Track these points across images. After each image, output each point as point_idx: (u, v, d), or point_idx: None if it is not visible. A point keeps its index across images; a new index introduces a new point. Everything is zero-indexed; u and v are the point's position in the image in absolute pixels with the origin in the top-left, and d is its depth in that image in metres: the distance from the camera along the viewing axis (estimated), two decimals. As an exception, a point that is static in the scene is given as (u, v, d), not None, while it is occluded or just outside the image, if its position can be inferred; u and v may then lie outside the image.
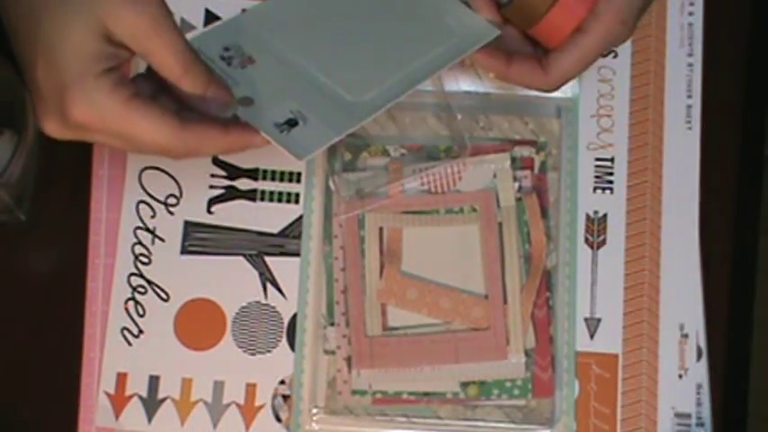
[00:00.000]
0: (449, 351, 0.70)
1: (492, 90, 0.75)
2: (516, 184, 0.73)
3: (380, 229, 0.73)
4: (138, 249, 0.74)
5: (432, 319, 0.71)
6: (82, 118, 0.59)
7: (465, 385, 0.71)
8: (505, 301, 0.71)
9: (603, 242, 0.73)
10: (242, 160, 0.75)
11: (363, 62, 0.66)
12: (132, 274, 0.73)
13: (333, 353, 0.72)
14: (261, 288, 0.73)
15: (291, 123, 0.63)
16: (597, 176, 0.74)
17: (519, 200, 0.73)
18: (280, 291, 0.73)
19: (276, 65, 0.66)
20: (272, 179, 0.75)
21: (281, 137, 0.62)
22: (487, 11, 0.67)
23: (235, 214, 0.74)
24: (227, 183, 0.75)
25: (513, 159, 0.73)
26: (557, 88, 0.67)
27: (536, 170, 0.74)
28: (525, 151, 0.74)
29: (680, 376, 0.72)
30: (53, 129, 0.60)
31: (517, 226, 0.72)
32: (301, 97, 0.64)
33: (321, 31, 0.68)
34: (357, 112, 0.64)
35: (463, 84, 0.75)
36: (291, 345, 0.72)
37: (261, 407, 0.72)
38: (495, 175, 0.73)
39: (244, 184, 0.75)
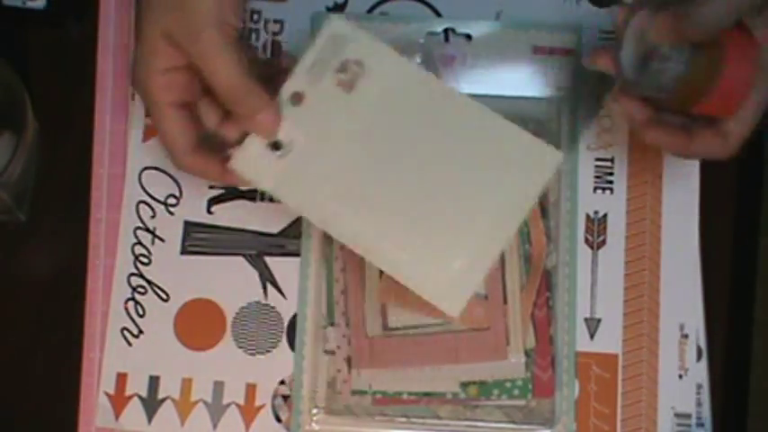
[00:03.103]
0: (449, 351, 0.70)
1: (491, 91, 0.75)
2: (516, 185, 0.73)
3: (380, 229, 0.73)
4: (138, 249, 0.74)
5: (432, 319, 0.71)
6: (138, 86, 0.64)
7: (465, 385, 0.70)
8: (505, 301, 0.71)
9: (603, 242, 0.73)
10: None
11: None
12: (132, 275, 0.73)
13: (333, 353, 0.72)
14: (261, 288, 0.73)
15: None
16: (597, 176, 0.74)
17: (519, 200, 0.73)
18: (280, 291, 0.73)
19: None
20: (272, 179, 0.75)
21: None
22: (641, 113, 0.64)
23: (235, 214, 0.74)
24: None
25: (513, 159, 0.73)
26: (736, 151, 0.64)
27: (536, 170, 0.73)
28: (525, 151, 0.74)
29: (680, 376, 0.72)
30: None
31: (517, 226, 0.72)
32: None
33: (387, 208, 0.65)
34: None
35: (464, 84, 0.75)
36: (291, 345, 0.72)
37: (261, 407, 0.72)
38: (495, 176, 0.73)
39: (244, 184, 0.75)
